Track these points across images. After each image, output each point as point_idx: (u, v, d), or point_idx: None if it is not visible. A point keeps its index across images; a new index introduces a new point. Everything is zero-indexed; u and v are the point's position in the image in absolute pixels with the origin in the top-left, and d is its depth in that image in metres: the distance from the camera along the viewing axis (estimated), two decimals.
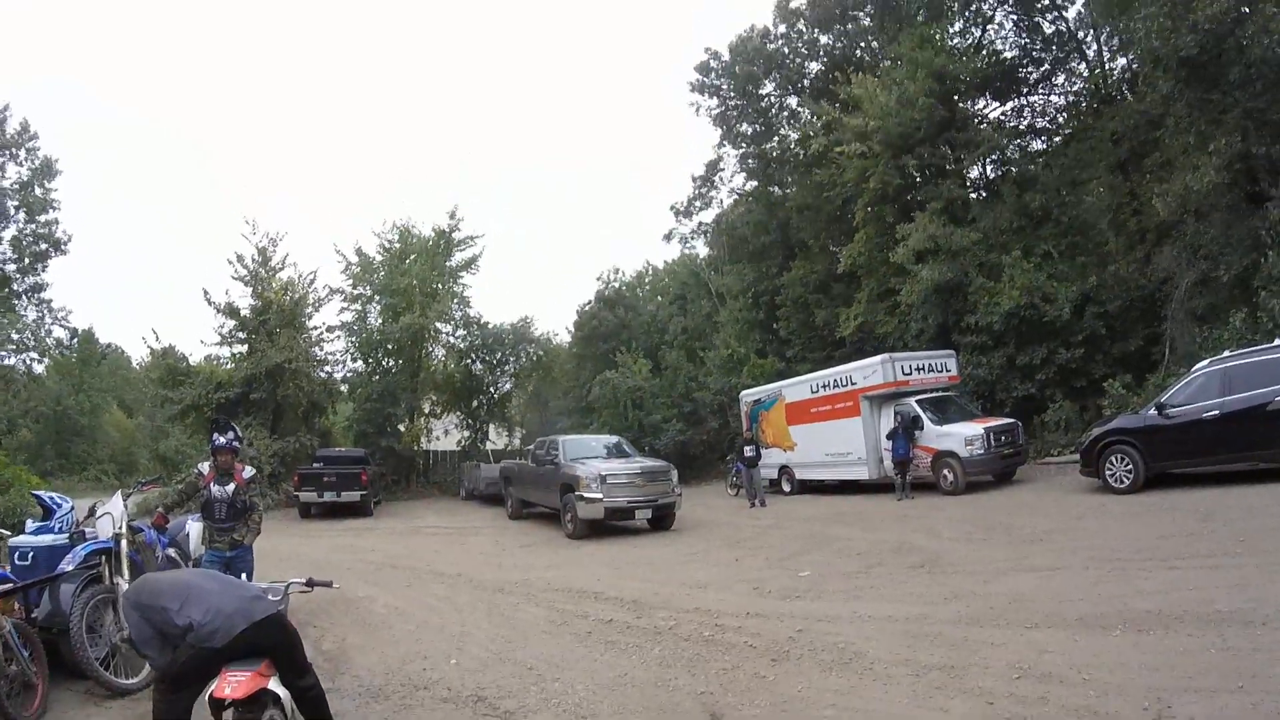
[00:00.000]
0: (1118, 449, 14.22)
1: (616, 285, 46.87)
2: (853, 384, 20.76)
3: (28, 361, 41.72)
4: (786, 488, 22.90)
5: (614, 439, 20.59)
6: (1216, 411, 12.99)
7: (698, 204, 38.37)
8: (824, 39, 32.67)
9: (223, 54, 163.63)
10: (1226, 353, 14.00)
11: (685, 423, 31.79)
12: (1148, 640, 6.11)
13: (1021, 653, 6.13)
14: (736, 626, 7.89)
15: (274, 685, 4.50)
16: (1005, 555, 10.22)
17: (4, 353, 38.20)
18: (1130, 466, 13.93)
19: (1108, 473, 14.30)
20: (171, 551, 8.26)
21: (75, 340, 59.12)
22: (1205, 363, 13.93)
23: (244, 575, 7.20)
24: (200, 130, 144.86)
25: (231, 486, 7.85)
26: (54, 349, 45.01)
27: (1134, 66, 23.05)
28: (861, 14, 31.08)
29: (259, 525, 8.09)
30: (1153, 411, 14.00)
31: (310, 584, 5.75)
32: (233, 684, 4.25)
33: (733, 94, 34.32)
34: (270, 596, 5.02)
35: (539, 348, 39.02)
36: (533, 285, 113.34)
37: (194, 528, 8.06)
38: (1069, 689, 5.33)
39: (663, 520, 16.85)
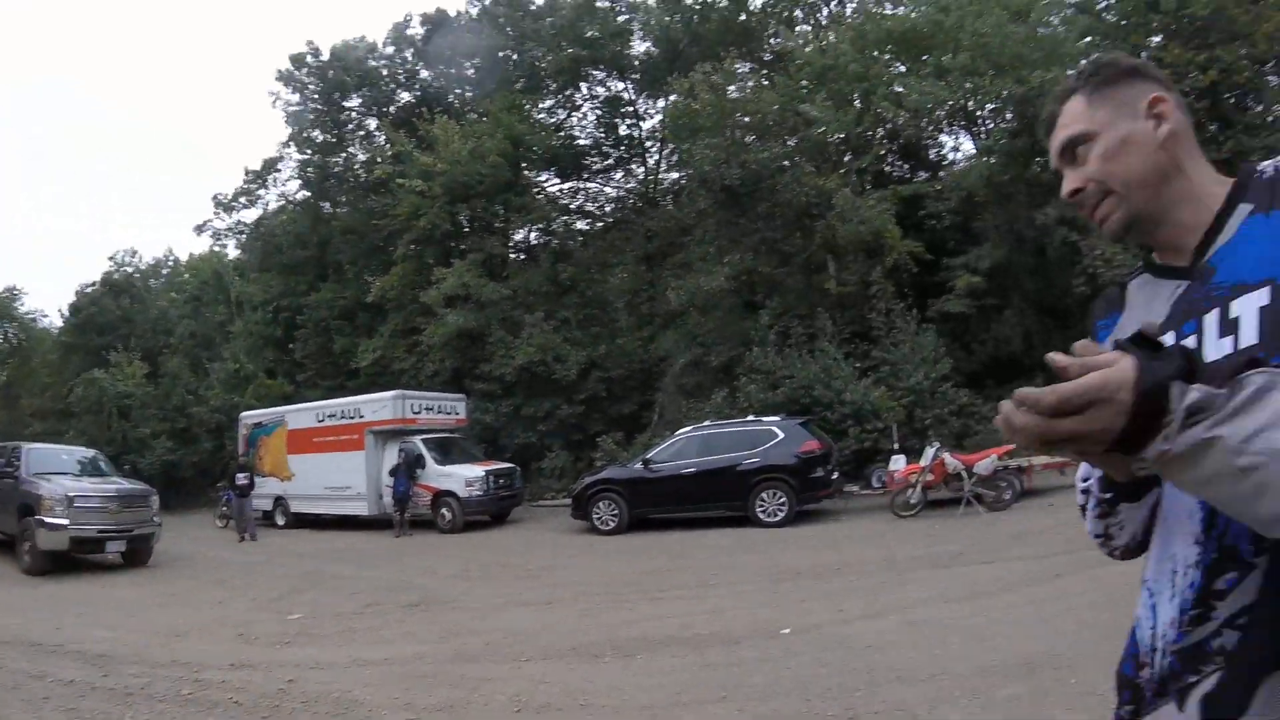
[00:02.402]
0: (606, 495, 15.97)
1: (129, 270, 41.97)
2: (361, 417, 20.52)
3: None
4: (280, 521, 21.81)
5: (90, 453, 17.78)
6: (694, 469, 15.36)
7: (243, 200, 35.51)
8: (424, 73, 32.84)
9: None
10: (708, 422, 16.86)
11: (177, 441, 29.41)
12: (637, 663, 6.63)
13: (519, 685, 6.29)
14: (220, 681, 7.20)
15: None
16: (500, 592, 10.60)
17: None
18: (616, 511, 15.76)
19: (595, 516, 15.94)
20: None
21: None
22: (689, 428, 16.69)
23: None
24: None
25: None
26: None
27: (682, 182, 26.59)
28: (467, 64, 31.57)
29: None
30: (639, 465, 16.12)
31: None
32: None
33: (317, 96, 32.96)
34: None
35: (22, 330, 33.68)
36: (28, 249, 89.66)
37: None
38: (567, 715, 5.60)
39: (138, 554, 14.99)
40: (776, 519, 14.55)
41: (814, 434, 15.68)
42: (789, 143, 21.41)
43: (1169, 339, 1.18)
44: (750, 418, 16.64)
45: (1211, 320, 1.18)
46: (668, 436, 17.31)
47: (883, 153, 23.79)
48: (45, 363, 36.72)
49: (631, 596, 9.44)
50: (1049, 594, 7.76)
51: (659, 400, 22.63)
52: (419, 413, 20.20)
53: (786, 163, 20.93)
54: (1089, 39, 20.57)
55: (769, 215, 21.18)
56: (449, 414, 21.18)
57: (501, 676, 6.62)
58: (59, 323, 38.98)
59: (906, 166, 26.04)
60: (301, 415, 22.47)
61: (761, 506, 14.74)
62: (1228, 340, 1.14)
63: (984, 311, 20.61)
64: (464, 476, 18.22)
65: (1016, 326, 20.50)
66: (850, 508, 16.08)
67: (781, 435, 15.19)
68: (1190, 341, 1.19)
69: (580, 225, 31.26)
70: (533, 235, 30.74)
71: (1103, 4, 22.58)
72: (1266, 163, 1.25)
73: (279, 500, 22.00)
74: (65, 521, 13.70)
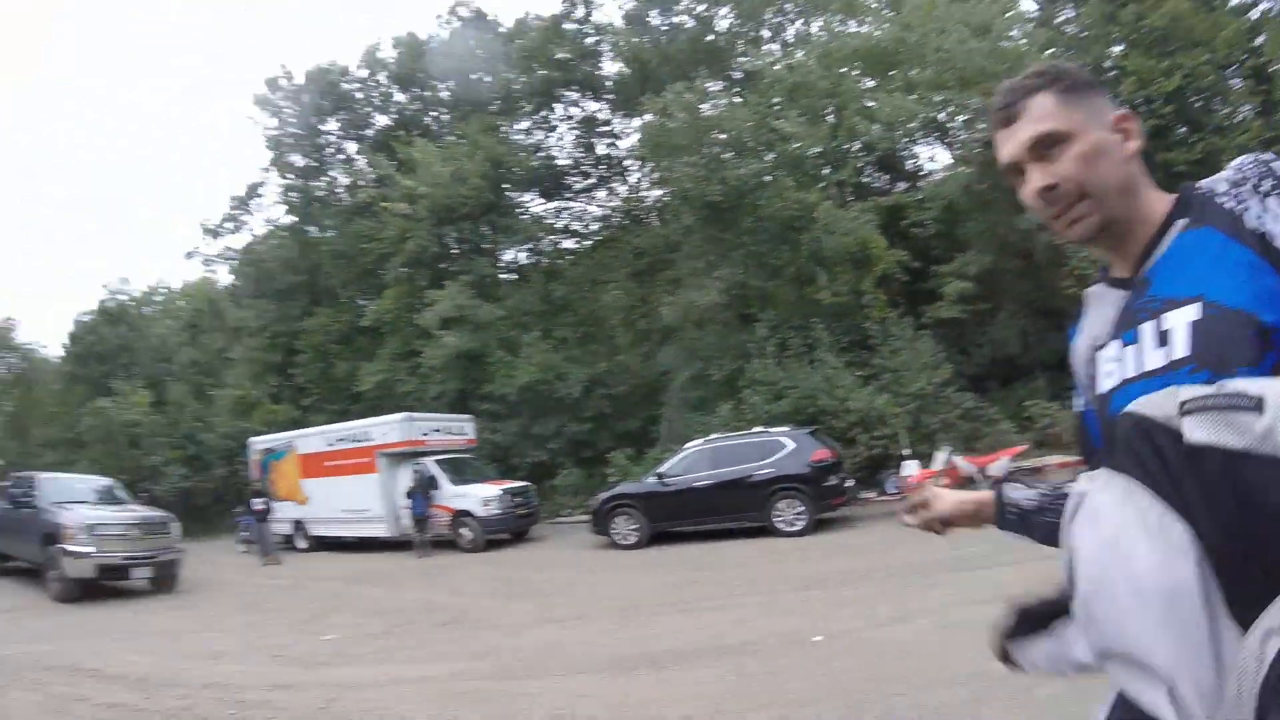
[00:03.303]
0: (624, 510, 16.11)
1: (123, 298, 41.83)
2: (370, 440, 20.62)
3: None
4: (302, 544, 21.95)
5: (106, 481, 18.12)
6: (708, 481, 15.47)
7: (230, 226, 35.58)
8: (400, 96, 33.17)
9: None
10: (715, 435, 16.96)
11: (190, 468, 29.61)
12: (672, 675, 6.70)
13: (558, 700, 6.36)
14: (261, 701, 7.31)
15: None
16: (530, 608, 10.64)
17: None
18: (635, 525, 15.88)
19: (614, 531, 16.07)
20: None
21: None
22: (699, 441, 16.78)
23: None
24: None
25: None
26: None
27: (665, 199, 26.46)
28: (441, 86, 31.93)
29: None
30: (653, 479, 16.20)
31: None
32: None
33: (294, 121, 33.06)
34: None
35: (22, 358, 33.84)
36: (21, 281, 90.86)
37: None
38: None
39: (165, 580, 15.11)
40: (796, 528, 14.61)
41: (824, 443, 15.80)
42: (766, 158, 21.49)
43: (1113, 347, 1.34)
44: (758, 429, 16.71)
45: (1148, 331, 1.27)
46: (677, 450, 17.38)
47: (860, 165, 24.24)
48: (49, 392, 36.80)
49: (660, 609, 9.54)
50: None
51: (665, 415, 22.75)
52: (428, 434, 20.36)
53: (767, 178, 21.10)
54: (1051, 50, 20.88)
55: (754, 230, 21.45)
56: (458, 434, 21.39)
57: (539, 692, 6.68)
58: (57, 352, 39.18)
59: (886, 177, 26.49)
60: (310, 440, 22.61)
61: (779, 516, 14.80)
62: (1161, 352, 1.23)
63: (978, 315, 20.89)
64: (480, 496, 18.31)
65: (1011, 328, 20.82)
66: (867, 514, 16.12)
67: (792, 445, 15.30)
68: (1130, 351, 1.30)
69: (568, 244, 31.53)
70: (522, 255, 30.97)
71: (1061, 18, 23.24)
72: (1204, 180, 1.34)
73: (298, 524, 22.12)
74: (90, 549, 13.89)
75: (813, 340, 20.13)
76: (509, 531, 18.70)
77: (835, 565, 11.18)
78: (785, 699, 5.72)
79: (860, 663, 6.40)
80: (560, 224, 31.06)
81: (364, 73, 33.09)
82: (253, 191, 35.07)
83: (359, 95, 33.16)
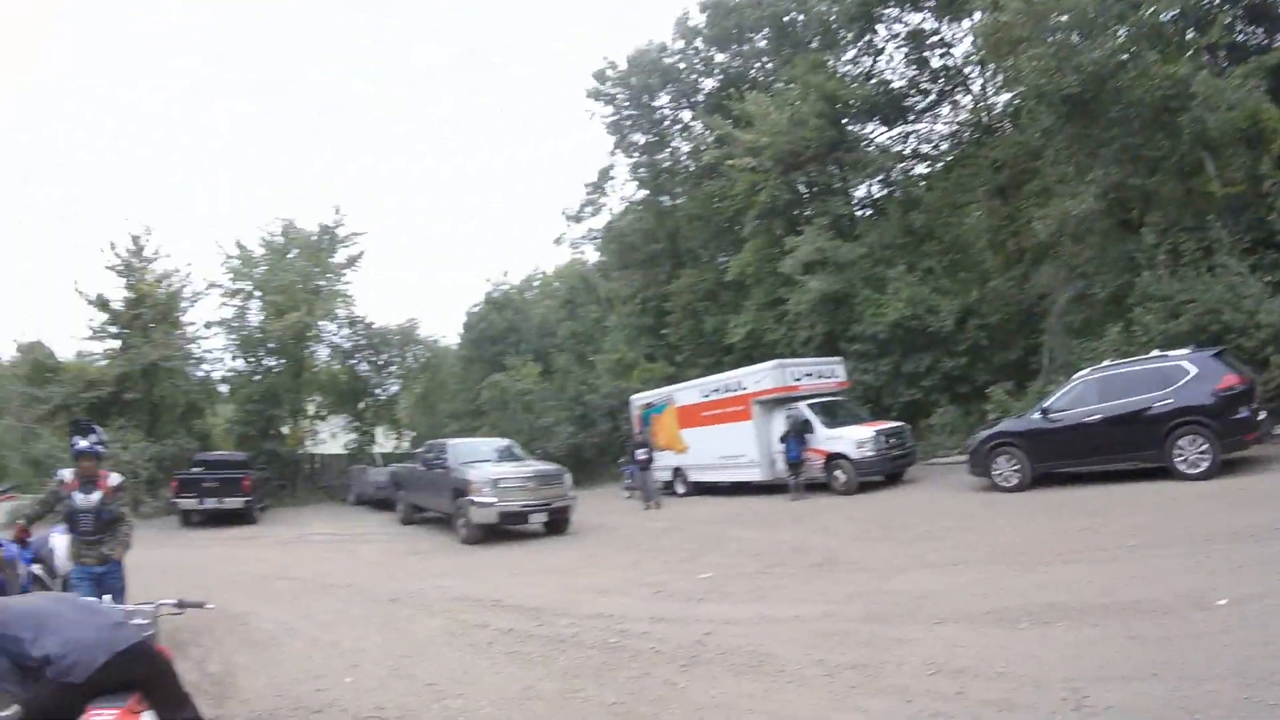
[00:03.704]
0: (1005, 450, 14.83)
1: (505, 288, 46.27)
2: (744, 389, 20.85)
3: None
4: (680, 489, 22.93)
5: (504, 442, 20.07)
6: (1099, 416, 13.70)
7: (589, 210, 38.24)
8: (720, 57, 33.25)
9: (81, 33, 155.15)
10: (1106, 362, 14.92)
11: (577, 425, 31.71)
12: (1055, 632, 6.14)
13: (933, 649, 6.08)
14: (641, 632, 7.68)
15: None
16: (903, 553, 10.26)
17: None
18: (1017, 466, 14.57)
19: (995, 473, 14.88)
20: (36, 568, 7.57)
21: None
22: (1086, 371, 14.81)
23: (114, 595, 6.52)
24: (65, 113, 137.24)
25: (97, 495, 6.90)
26: None
27: (1016, 101, 23.85)
28: (757, 37, 31.71)
29: (129, 538, 7.13)
30: (1037, 415, 14.72)
31: (181, 605, 4.82)
32: None
33: (627, 104, 34.55)
34: (137, 621, 4.34)
35: (426, 349, 38.31)
36: (420, 287, 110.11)
37: (59, 541, 7.35)
38: (985, 683, 5.30)
39: (558, 524, 16.49)
40: (1199, 470, 12.54)
41: (1231, 366, 13.28)
42: (1119, 34, 18.36)
43: None
44: (1155, 353, 14.37)
45: None
46: (1062, 382, 15.67)
47: (1228, 20, 19.92)
48: (451, 374, 41.24)
49: (1043, 558, 8.74)
50: None
51: (1046, 343, 20.72)
52: (799, 379, 20.17)
53: (1124, 56, 18.10)
54: None
55: (1123, 120, 18.21)
56: (829, 378, 20.95)
57: (914, 638, 6.42)
58: (456, 341, 44.21)
59: (1260, 31, 21.46)
60: (687, 393, 23.29)
61: (1180, 455, 12.78)
62: None
63: None
64: (854, 438, 17.98)
65: None
66: None
67: (1194, 371, 13.01)
68: None
69: (920, 170, 29.59)
70: (874, 189, 29.60)
71: None
72: None
73: (677, 470, 23.08)
74: (494, 500, 15.52)
75: (1209, 242, 17.09)
76: (883, 474, 18.19)
77: (1245, 516, 9.46)
78: (1178, 670, 5.01)
79: (1269, 635, 5.40)
80: (908, 150, 29.23)
81: (680, 44, 33.61)
82: (604, 175, 37.12)
83: (681, 66, 33.66)
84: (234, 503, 22.97)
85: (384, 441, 38.85)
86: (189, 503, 22.90)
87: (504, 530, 16.31)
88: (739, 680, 5.98)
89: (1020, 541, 9.94)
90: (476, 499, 15.65)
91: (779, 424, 19.27)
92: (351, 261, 35.91)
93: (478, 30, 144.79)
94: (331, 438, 37.73)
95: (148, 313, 28.57)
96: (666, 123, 35.04)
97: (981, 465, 15.28)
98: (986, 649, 5.96)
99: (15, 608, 3.97)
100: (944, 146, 28.96)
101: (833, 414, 19.22)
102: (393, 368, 37.70)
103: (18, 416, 31.49)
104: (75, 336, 41.96)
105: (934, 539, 11.03)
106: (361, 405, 37.39)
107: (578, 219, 38.85)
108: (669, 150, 35.11)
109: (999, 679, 5.33)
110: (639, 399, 25.85)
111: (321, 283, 34.80)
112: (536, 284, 53.13)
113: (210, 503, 22.81)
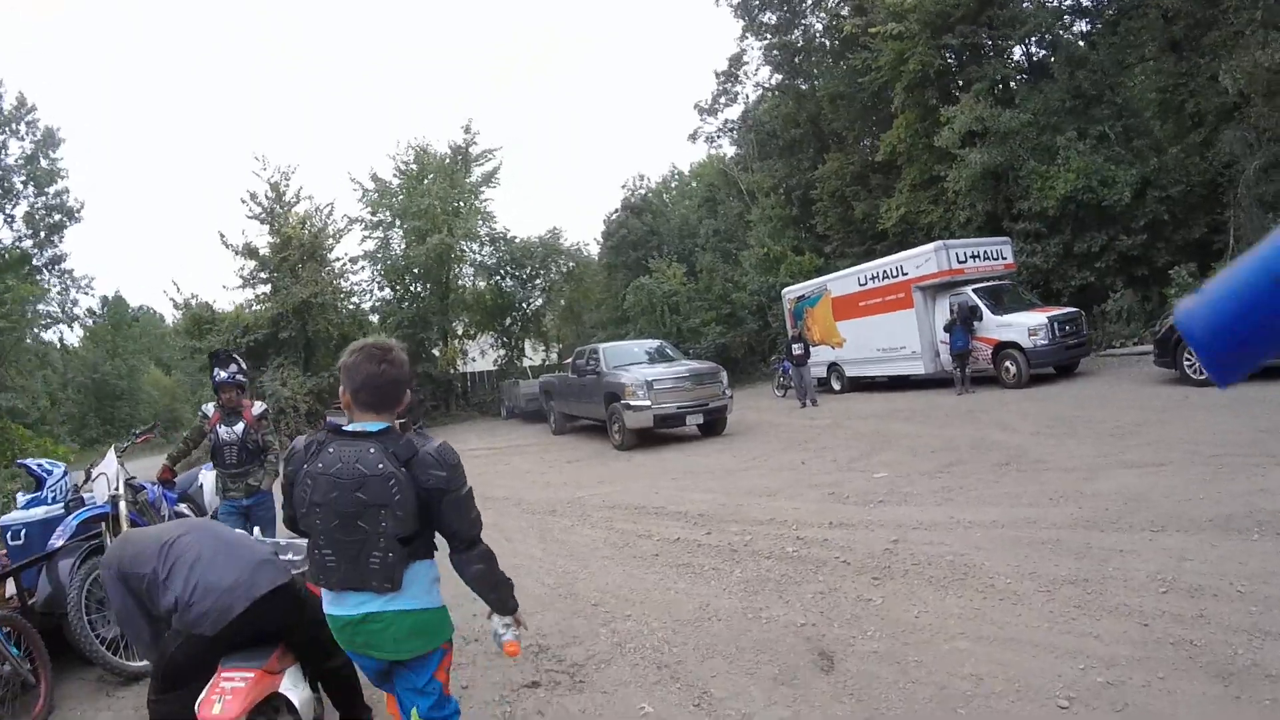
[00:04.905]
0: None
1: (643, 191, 45.34)
2: (904, 274, 19.70)
3: (60, 334, 41.92)
4: (836, 386, 22.25)
5: (656, 343, 19.41)
6: None
7: (722, 100, 37.13)
8: None
9: None
10: None
11: (724, 325, 31.24)
12: None
13: (1159, 562, 5.32)
14: (821, 540, 7.09)
15: (287, 685, 3.42)
16: (1096, 451, 9.27)
17: (36, 329, 38.38)
18: None
19: (1186, 363, 13.49)
20: (183, 507, 7.51)
21: (105, 307, 60.15)
22: None
23: (263, 527, 6.38)
24: (197, 67, 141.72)
25: (240, 426, 6.73)
26: (84, 318, 45.86)
27: None
28: None
29: (277, 465, 6.74)
30: None
31: None
32: (224, 700, 3.10)
33: None
34: (288, 556, 3.97)
35: (569, 259, 38.21)
36: (556, 197, 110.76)
37: (206, 478, 7.30)
38: (1226, 604, 4.54)
39: (714, 425, 16.00)
40: None
41: None
42: None
43: None
44: None
45: None
46: None
47: None
48: (595, 283, 40.70)
49: (1257, 460, 7.65)
50: None
51: (1232, 219, 18.91)
52: (964, 262, 18.84)
53: None
54: None
55: None
56: (996, 260, 19.43)
57: (1133, 549, 5.66)
58: (596, 250, 43.53)
59: None
60: (842, 282, 22.28)
61: None
62: None
63: None
64: (1026, 325, 16.73)
65: None
66: None
67: None
68: None
69: (1079, 26, 26.83)
70: (1035, 49, 26.76)
71: None
72: None
73: (833, 366, 22.34)
74: (648, 403, 15.12)
75: None
76: (1055, 365, 17.05)
77: None
78: None
79: None
80: (1066, 3, 26.44)
81: None
82: (736, 62, 35.74)
83: None
84: None
85: (532, 355, 39.30)
86: None
87: (658, 434, 15.95)
88: (942, 597, 5.33)
89: (1225, 440, 8.79)
90: (631, 403, 15.29)
91: (943, 311, 18.27)
92: (487, 179, 35.92)
93: None
94: (481, 355, 38.24)
95: (294, 254, 29.38)
96: None
97: (1170, 355, 13.88)
98: (1220, 563, 5.17)
99: (148, 538, 3.64)
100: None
101: (1000, 300, 17.98)
102: (537, 280, 37.77)
103: (187, 371, 32.97)
104: (228, 287, 43.85)
105: (1127, 436, 9.94)
106: (508, 321, 37.79)
107: (712, 111, 37.84)
108: (803, 28, 33.19)
109: (1241, 599, 4.58)
110: (791, 292, 25.05)
111: (460, 203, 34.87)
112: (674, 184, 52.25)
113: None
